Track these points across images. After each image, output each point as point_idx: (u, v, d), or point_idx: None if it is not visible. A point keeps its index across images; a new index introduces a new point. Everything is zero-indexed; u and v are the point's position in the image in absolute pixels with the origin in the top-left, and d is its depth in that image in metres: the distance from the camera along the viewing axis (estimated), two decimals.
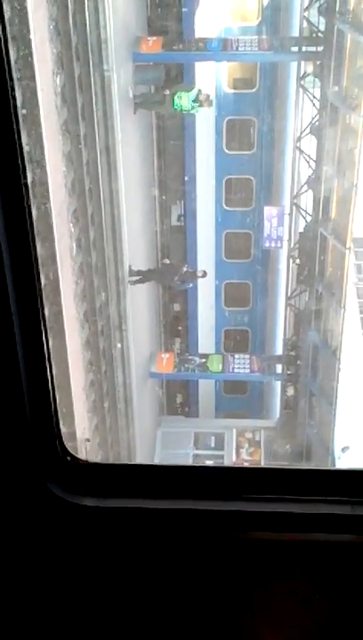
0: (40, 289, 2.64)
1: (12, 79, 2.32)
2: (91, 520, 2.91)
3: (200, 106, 21.68)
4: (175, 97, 21.49)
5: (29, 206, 2.50)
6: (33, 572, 3.07)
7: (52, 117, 15.54)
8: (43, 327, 2.68)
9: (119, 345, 20.71)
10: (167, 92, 21.65)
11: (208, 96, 22.00)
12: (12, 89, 2.33)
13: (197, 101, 21.55)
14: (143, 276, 22.24)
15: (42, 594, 3.12)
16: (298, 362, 24.84)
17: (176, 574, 3.03)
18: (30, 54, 12.68)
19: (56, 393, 2.85)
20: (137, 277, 21.85)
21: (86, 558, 3.03)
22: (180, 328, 26.86)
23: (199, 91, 21.65)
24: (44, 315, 2.68)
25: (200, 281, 25.53)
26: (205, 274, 23.60)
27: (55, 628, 3.21)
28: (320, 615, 3.09)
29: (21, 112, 2.39)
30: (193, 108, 21.76)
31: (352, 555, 2.92)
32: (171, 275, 23.26)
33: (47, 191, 13.71)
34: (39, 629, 3.21)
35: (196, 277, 23.81)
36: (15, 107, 2.35)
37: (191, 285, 24.63)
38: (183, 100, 21.48)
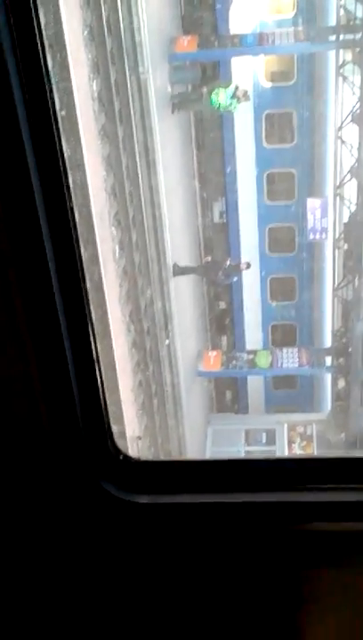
0: (86, 291, 2.67)
1: (50, 82, 2.36)
2: (145, 517, 2.93)
3: (238, 102, 21.56)
4: (213, 94, 21.42)
5: (72, 209, 2.53)
6: (88, 570, 3.10)
7: (90, 122, 15.65)
8: (90, 329, 2.70)
9: (167, 341, 20.72)
10: (204, 89, 21.60)
11: (246, 91, 21.85)
12: (51, 91, 2.36)
13: (234, 97, 21.43)
14: (186, 273, 22.20)
15: (97, 591, 3.15)
16: (348, 353, 24.58)
17: (233, 568, 3.03)
18: (66, 60, 12.79)
19: (106, 393, 2.88)
20: (181, 271, 21.82)
21: (141, 555, 3.05)
22: (226, 325, 26.80)
23: (237, 87, 21.54)
24: (90, 316, 2.71)
25: (245, 276, 25.43)
26: (249, 265, 23.44)
27: (108, 624, 3.24)
28: None
29: (60, 114, 2.42)
30: (231, 104, 21.65)
31: None
32: (215, 270, 23.20)
33: (88, 194, 13.81)
34: (92, 624, 3.24)
35: (240, 270, 23.65)
36: (55, 110, 2.38)
37: (236, 279, 24.48)
38: (221, 96, 21.39)
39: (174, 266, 21.23)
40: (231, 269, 23.25)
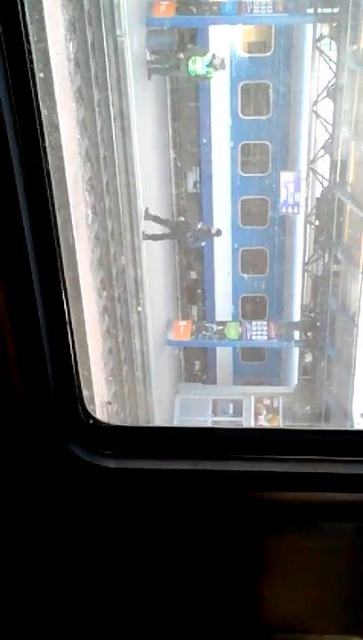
0: (60, 254, 2.65)
1: (28, 42, 2.32)
2: (111, 481, 2.95)
3: (215, 70, 21.41)
4: (189, 61, 21.23)
5: (48, 170, 2.50)
6: (54, 532, 3.12)
7: (65, 83, 15.42)
8: (64, 292, 2.69)
9: (139, 308, 20.68)
10: (181, 56, 21.38)
11: (222, 60, 21.71)
12: (30, 52, 2.32)
13: (211, 66, 21.28)
14: (161, 222, 21.88)
15: (63, 552, 3.17)
16: (316, 327, 24.78)
17: (196, 534, 3.07)
18: (42, 19, 12.55)
19: (77, 357, 2.88)
20: (151, 234, 21.59)
21: (107, 518, 3.07)
22: (197, 294, 26.82)
23: (214, 55, 21.36)
24: (64, 280, 2.70)
25: (217, 247, 25.39)
26: (219, 232, 23.33)
27: (75, 586, 3.27)
28: (328, 573, 3.14)
29: (39, 76, 2.39)
30: (208, 72, 21.50)
31: None
32: (184, 231, 23.07)
33: (62, 157, 13.65)
34: (59, 587, 3.27)
35: (210, 235, 23.52)
36: (33, 70, 2.34)
37: (204, 244, 24.32)
38: (197, 64, 21.22)
39: (146, 211, 20.90)
40: (201, 233, 23.11)
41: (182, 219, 24.21)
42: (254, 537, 3.05)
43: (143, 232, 20.96)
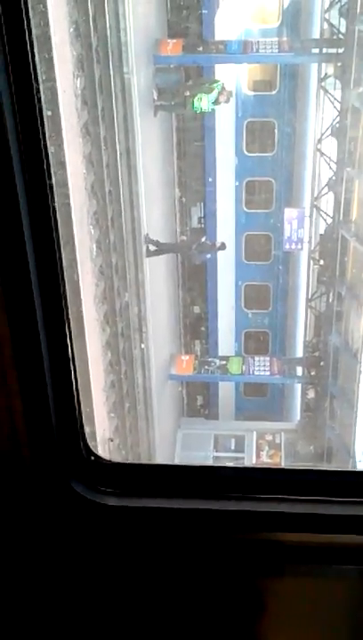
0: (65, 290, 2.66)
1: (37, 81, 2.35)
2: (113, 519, 2.93)
3: (220, 103, 21.72)
4: (195, 99, 21.50)
5: (54, 207, 2.52)
6: (56, 570, 3.09)
7: (72, 119, 15.60)
8: (67, 328, 2.69)
9: (143, 345, 20.68)
10: (188, 93, 21.65)
11: (230, 92, 21.94)
12: (38, 91, 2.35)
13: (216, 103, 21.55)
14: (160, 248, 21.75)
15: (64, 590, 3.14)
16: (319, 364, 24.73)
17: (196, 574, 3.04)
18: (51, 56, 12.74)
19: (80, 394, 2.87)
20: (154, 249, 21.41)
21: (106, 556, 3.04)
22: (200, 330, 26.83)
23: (221, 89, 21.56)
24: (68, 316, 2.70)
25: (220, 283, 25.46)
26: (224, 245, 23.34)
27: (75, 624, 3.23)
28: (332, 619, 3.10)
29: (47, 114, 2.41)
30: (213, 110, 21.81)
31: None
32: (189, 246, 23.10)
33: (67, 192, 13.76)
34: (60, 625, 3.23)
35: (214, 249, 23.53)
36: (41, 109, 2.37)
37: (209, 256, 24.25)
38: (203, 102, 21.49)
39: (146, 237, 20.91)
40: (205, 247, 23.16)
41: (184, 237, 24.22)
42: (255, 578, 3.02)
43: (147, 247, 20.85)
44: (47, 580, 3.12)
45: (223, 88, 21.56)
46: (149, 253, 21.08)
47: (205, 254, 23.79)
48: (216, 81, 21.85)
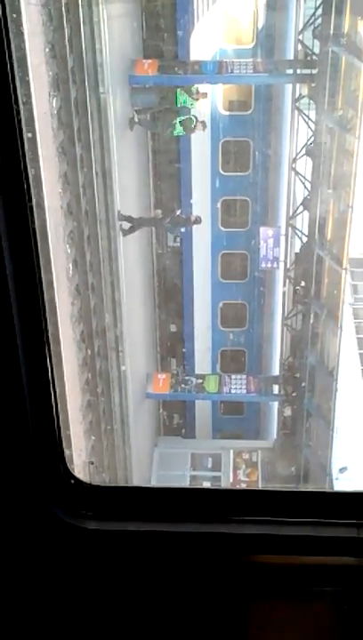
0: (44, 310, 2.64)
1: (17, 103, 2.34)
2: (93, 543, 2.90)
3: (194, 131, 22.00)
4: (176, 126, 21.79)
5: (34, 229, 2.51)
6: (36, 594, 3.05)
7: (48, 139, 15.60)
8: (47, 350, 2.67)
9: (123, 367, 20.60)
10: (163, 116, 21.89)
11: (204, 122, 22.25)
12: (18, 113, 2.34)
13: (193, 128, 21.91)
14: (134, 223, 21.46)
15: (45, 615, 3.10)
16: (295, 382, 24.80)
17: (179, 597, 3.01)
18: (27, 77, 12.76)
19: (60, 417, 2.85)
20: (129, 226, 21.09)
21: (89, 581, 3.01)
22: (177, 347, 26.81)
23: (194, 122, 21.88)
24: (47, 336, 2.68)
25: (197, 301, 25.50)
26: (199, 219, 23.20)
27: None
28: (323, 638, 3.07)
29: (27, 136, 2.40)
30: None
31: (358, 578, 2.90)
32: (162, 219, 22.94)
33: (44, 212, 13.73)
34: None
35: (189, 223, 23.33)
36: (21, 130, 2.36)
37: (184, 230, 24.06)
38: (177, 129, 21.84)
39: (119, 213, 20.52)
40: (180, 219, 23.00)
41: (159, 211, 23.99)
42: (237, 601, 2.99)
43: (120, 226, 20.55)
44: (29, 606, 3.07)
45: (197, 121, 21.77)
46: (125, 232, 20.83)
47: (179, 228, 23.56)
48: (188, 117, 22.03)
